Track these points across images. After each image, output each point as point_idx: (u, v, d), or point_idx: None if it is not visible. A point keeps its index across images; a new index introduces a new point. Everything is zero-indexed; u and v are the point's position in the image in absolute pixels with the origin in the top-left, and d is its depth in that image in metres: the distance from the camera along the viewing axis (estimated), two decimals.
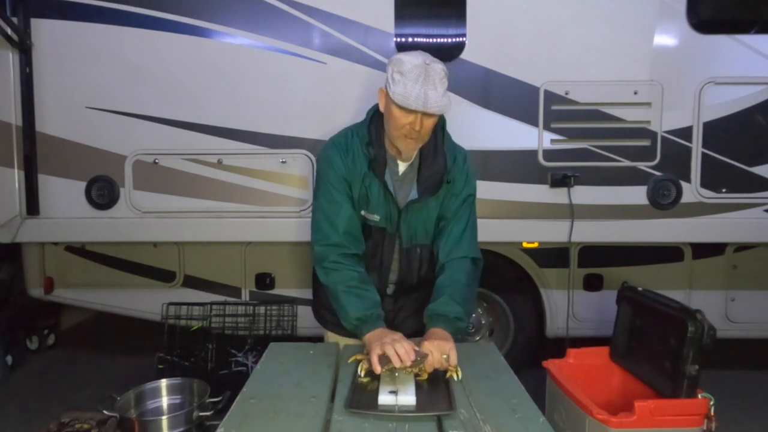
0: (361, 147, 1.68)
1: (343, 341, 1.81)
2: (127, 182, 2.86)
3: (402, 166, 1.71)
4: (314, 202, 1.77)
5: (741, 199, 2.82)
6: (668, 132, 2.80)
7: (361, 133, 1.71)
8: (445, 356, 1.48)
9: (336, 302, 1.65)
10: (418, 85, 1.51)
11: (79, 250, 3.22)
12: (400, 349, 1.41)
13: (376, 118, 1.71)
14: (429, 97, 1.51)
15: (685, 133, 2.79)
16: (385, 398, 1.32)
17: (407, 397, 1.32)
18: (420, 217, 1.72)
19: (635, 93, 2.78)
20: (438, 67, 1.55)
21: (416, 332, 1.73)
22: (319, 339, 2.01)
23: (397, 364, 1.38)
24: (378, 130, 1.69)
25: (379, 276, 1.78)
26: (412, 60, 1.53)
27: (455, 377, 1.46)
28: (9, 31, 2.69)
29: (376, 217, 1.71)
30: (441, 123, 1.73)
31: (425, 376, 1.45)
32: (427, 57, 1.56)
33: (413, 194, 1.70)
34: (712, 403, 1.98)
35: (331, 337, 1.91)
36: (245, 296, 3.24)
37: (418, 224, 1.73)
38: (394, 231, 1.73)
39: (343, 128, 1.79)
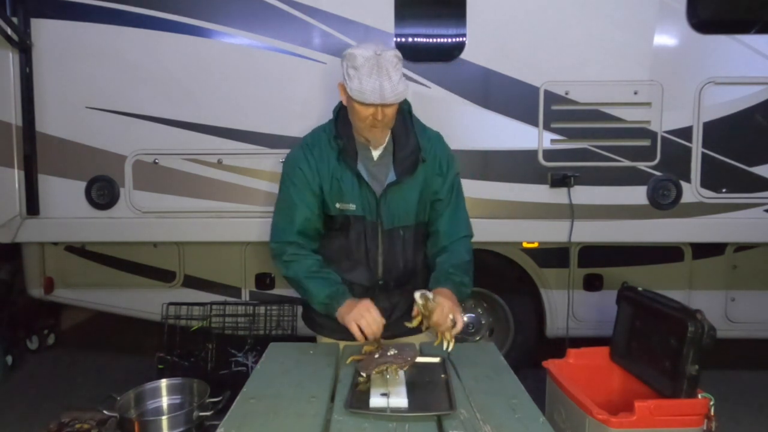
0: (329, 141, 1.73)
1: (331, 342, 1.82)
2: (127, 182, 2.85)
3: (376, 152, 1.75)
4: (276, 201, 1.82)
5: (741, 199, 2.82)
6: (668, 132, 2.80)
7: (328, 128, 1.77)
8: (451, 317, 1.52)
9: (301, 289, 1.73)
10: (372, 78, 1.55)
11: (79, 250, 3.22)
12: (362, 322, 1.53)
13: (343, 111, 1.76)
14: (384, 88, 1.55)
15: (685, 133, 2.79)
16: (376, 401, 1.32)
17: (399, 399, 1.32)
18: (400, 199, 1.74)
19: (635, 93, 2.78)
20: (389, 54, 1.57)
21: (413, 329, 1.74)
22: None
23: (360, 338, 1.55)
24: (345, 122, 1.74)
25: (368, 266, 1.79)
26: (363, 53, 1.57)
27: (447, 345, 1.53)
28: (9, 31, 2.69)
29: (352, 206, 1.74)
30: (407, 108, 1.78)
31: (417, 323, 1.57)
32: (378, 47, 1.59)
33: (391, 176, 1.73)
34: (712, 403, 1.98)
35: (322, 341, 1.91)
36: (245, 296, 3.24)
37: (398, 206, 1.75)
38: (375, 218, 1.74)
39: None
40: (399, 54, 1.61)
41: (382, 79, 1.54)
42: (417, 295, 1.55)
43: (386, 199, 1.73)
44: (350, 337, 1.62)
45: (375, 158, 1.75)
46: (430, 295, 1.56)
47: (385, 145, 1.75)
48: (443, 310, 1.53)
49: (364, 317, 1.55)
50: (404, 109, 1.77)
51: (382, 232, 1.76)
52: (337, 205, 1.74)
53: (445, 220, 1.78)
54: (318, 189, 1.73)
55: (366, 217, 1.74)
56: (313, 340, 1.98)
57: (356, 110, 1.63)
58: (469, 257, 1.78)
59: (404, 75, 1.66)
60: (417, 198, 1.76)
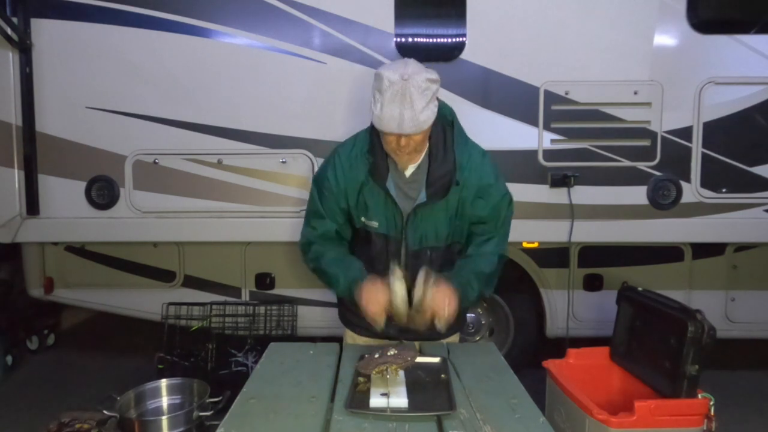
0: (361, 155, 1.67)
1: (362, 341, 1.83)
2: (127, 182, 2.85)
3: (410, 169, 1.67)
4: (307, 202, 1.80)
5: (741, 199, 2.82)
6: (668, 132, 2.80)
7: (363, 140, 1.70)
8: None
9: (325, 277, 1.71)
10: (394, 105, 1.47)
11: (79, 250, 3.22)
12: (368, 319, 1.54)
13: None
14: (404, 118, 1.47)
15: (685, 133, 2.79)
16: (376, 401, 1.32)
17: (399, 399, 1.32)
18: (429, 220, 1.67)
19: (635, 93, 2.78)
20: (419, 79, 1.48)
21: (430, 337, 1.71)
22: (319, 339, 2.01)
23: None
24: (379, 137, 1.65)
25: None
26: (390, 76, 1.48)
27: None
28: (9, 31, 2.69)
29: (374, 224, 1.69)
30: (450, 119, 1.69)
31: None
32: (408, 69, 1.49)
33: (422, 197, 1.66)
34: (712, 403, 1.98)
35: (349, 336, 1.90)
36: (245, 296, 3.24)
37: (427, 227, 1.68)
38: (399, 236, 1.69)
39: (353, 134, 1.78)
40: (434, 77, 1.52)
41: (403, 107, 1.46)
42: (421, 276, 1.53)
43: (414, 218, 1.66)
44: (381, 335, 1.63)
45: (407, 176, 1.67)
46: (431, 281, 1.53)
47: (419, 162, 1.66)
48: (442, 294, 1.51)
49: (367, 312, 1.54)
50: (446, 120, 1.68)
51: (407, 251, 1.70)
52: (362, 219, 1.70)
53: (478, 238, 1.72)
54: (344, 202, 1.69)
55: (389, 236, 1.69)
56: (315, 339, 1.98)
57: (381, 134, 1.57)
58: (488, 270, 1.66)
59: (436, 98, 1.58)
60: (449, 220, 1.68)
